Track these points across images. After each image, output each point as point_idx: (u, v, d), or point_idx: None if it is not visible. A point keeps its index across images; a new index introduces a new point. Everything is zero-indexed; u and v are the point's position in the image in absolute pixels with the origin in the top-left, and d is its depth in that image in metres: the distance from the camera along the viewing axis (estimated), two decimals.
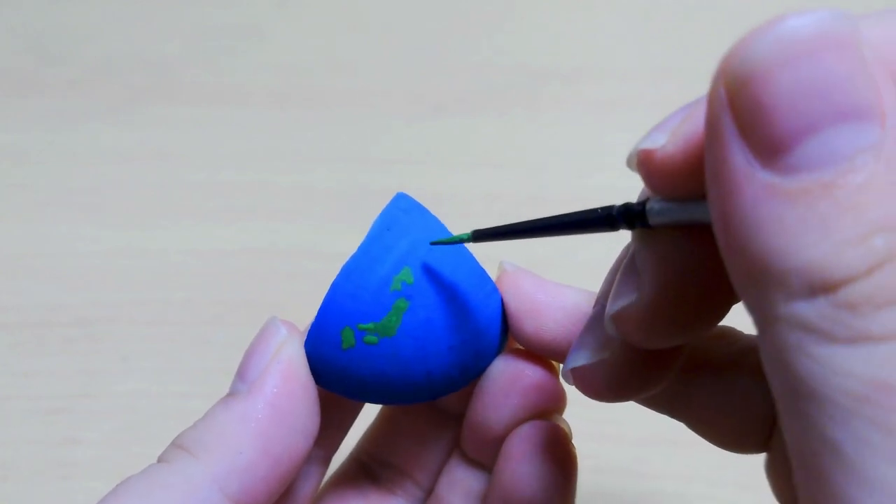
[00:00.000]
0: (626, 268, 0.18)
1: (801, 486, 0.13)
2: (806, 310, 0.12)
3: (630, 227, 0.17)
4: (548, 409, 0.23)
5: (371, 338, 0.21)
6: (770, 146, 0.13)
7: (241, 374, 0.21)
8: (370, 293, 0.20)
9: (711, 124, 0.13)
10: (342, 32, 0.56)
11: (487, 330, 0.22)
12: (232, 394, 0.21)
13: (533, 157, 0.47)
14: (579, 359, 0.19)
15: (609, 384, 0.19)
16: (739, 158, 0.13)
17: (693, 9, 0.56)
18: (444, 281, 0.21)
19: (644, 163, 0.16)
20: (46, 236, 0.44)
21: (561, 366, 0.21)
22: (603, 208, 0.17)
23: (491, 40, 0.55)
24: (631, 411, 0.35)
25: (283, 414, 0.20)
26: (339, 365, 0.21)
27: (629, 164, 0.16)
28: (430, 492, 0.25)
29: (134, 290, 0.42)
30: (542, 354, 0.22)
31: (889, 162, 0.12)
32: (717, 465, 0.34)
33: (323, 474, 0.25)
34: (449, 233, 0.22)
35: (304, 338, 0.21)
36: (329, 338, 0.21)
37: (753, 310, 0.13)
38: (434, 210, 0.46)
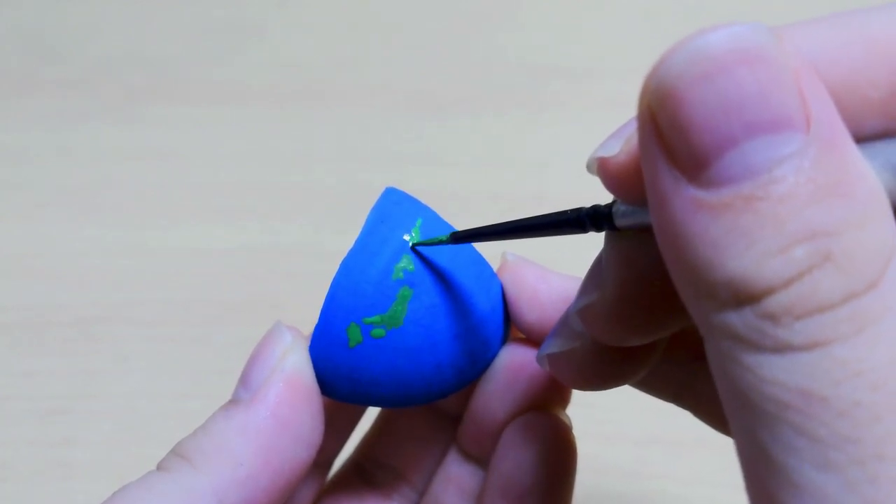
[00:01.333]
0: (594, 266, 0.18)
1: (747, 489, 0.14)
2: (734, 320, 0.13)
3: (598, 228, 0.17)
4: (552, 400, 0.22)
5: (378, 331, 0.20)
6: (692, 162, 0.13)
7: (243, 381, 0.20)
8: (373, 285, 0.20)
9: (641, 140, 0.14)
10: (343, 31, 0.56)
11: (491, 316, 0.22)
12: (234, 401, 0.20)
13: (535, 156, 0.47)
14: (552, 346, 0.20)
15: (581, 373, 0.19)
16: (666, 174, 0.13)
17: (695, 7, 0.56)
18: (444, 267, 0.21)
19: (601, 170, 0.16)
20: (46, 236, 0.44)
21: (539, 349, 0.21)
22: (573, 210, 0.18)
23: (493, 39, 0.54)
24: (632, 411, 0.35)
25: (285, 424, 0.20)
26: (348, 366, 0.21)
27: (589, 169, 0.17)
28: (424, 493, 0.25)
29: (133, 290, 0.42)
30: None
31: (816, 168, 0.12)
32: (719, 467, 0.33)
33: (322, 482, 0.24)
34: (443, 221, 0.22)
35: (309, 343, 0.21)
36: (334, 337, 0.20)
37: (694, 318, 0.14)
38: (435, 209, 0.46)
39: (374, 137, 0.49)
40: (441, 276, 0.21)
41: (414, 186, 0.45)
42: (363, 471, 0.25)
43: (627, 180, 0.15)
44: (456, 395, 0.23)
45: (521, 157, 0.47)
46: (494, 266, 0.23)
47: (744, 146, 0.12)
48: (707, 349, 0.14)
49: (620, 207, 0.17)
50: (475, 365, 0.22)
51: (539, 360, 0.20)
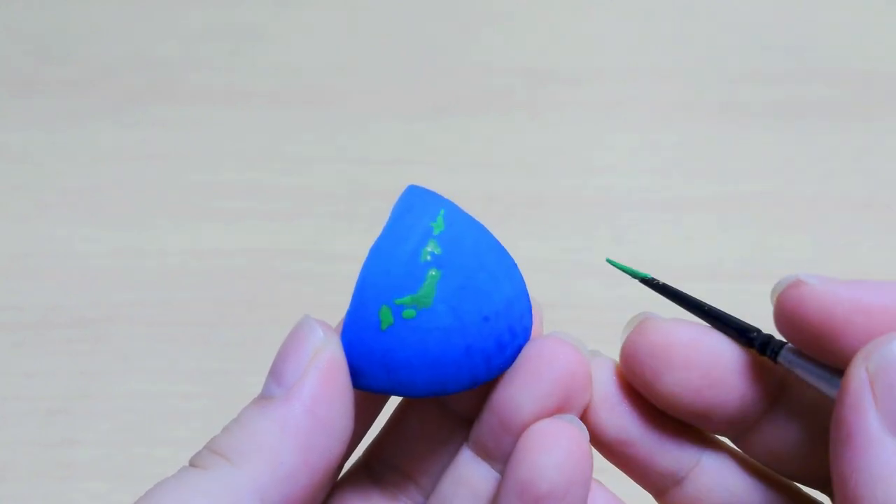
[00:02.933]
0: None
1: None
2: None
3: (762, 352, 0.20)
4: (578, 397, 0.22)
5: (409, 311, 0.21)
6: None
7: (276, 377, 0.20)
8: (403, 266, 0.21)
9: (851, 395, 0.17)
10: (342, 33, 0.56)
11: (517, 304, 0.22)
12: (267, 397, 0.20)
13: (532, 158, 0.47)
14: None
15: None
16: (874, 425, 0.16)
17: (691, 11, 0.56)
18: (470, 251, 0.22)
19: (790, 298, 0.19)
20: (46, 236, 0.44)
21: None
22: (751, 327, 0.21)
23: (491, 42, 0.55)
24: None
25: (322, 421, 0.19)
26: (381, 349, 0.21)
27: (772, 294, 0.19)
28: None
29: (133, 290, 0.42)
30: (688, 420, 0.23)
31: None
32: None
33: (335, 480, 0.25)
34: (465, 213, 0.22)
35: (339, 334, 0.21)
36: (367, 321, 0.21)
37: None
38: None
39: (372, 140, 0.49)
40: (468, 259, 0.22)
41: None
42: (370, 470, 0.25)
43: (815, 331, 0.18)
44: (470, 396, 0.23)
45: (519, 159, 0.47)
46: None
47: None
48: None
49: (787, 355, 0.20)
50: (503, 352, 0.22)
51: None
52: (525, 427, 0.22)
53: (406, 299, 0.21)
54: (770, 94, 0.51)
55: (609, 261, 0.23)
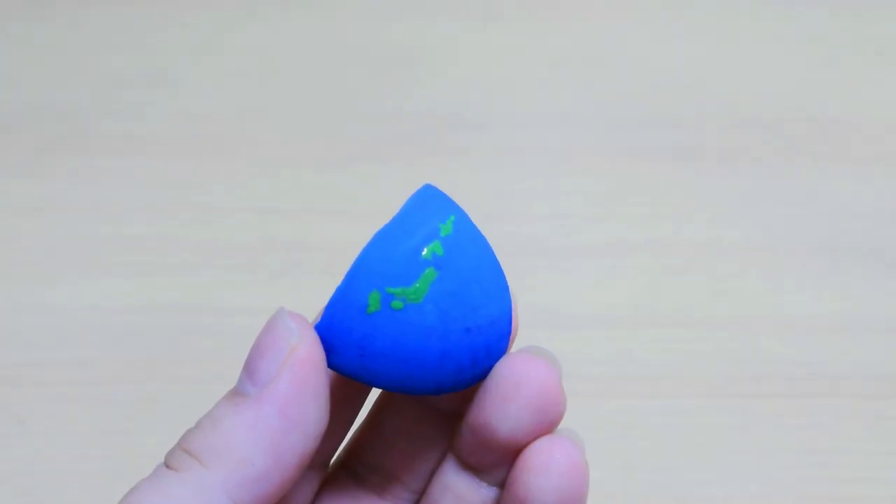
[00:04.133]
0: None
1: None
2: None
3: None
4: (551, 413, 0.22)
5: (398, 303, 0.21)
6: None
7: (249, 374, 0.20)
8: (403, 257, 0.21)
9: None
10: (255, 82, 0.56)
11: (499, 322, 0.23)
12: (241, 394, 0.20)
13: None
14: None
15: None
16: None
17: (598, 57, 0.58)
18: (470, 262, 0.22)
19: None
20: None
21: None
22: None
23: (400, 88, 0.55)
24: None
25: (294, 421, 0.19)
26: (361, 332, 0.21)
27: None
28: (421, 493, 0.24)
29: (32, 349, 0.41)
30: None
31: None
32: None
33: (322, 478, 0.24)
34: (472, 224, 0.23)
35: (317, 326, 0.21)
36: (355, 301, 0.21)
37: None
38: (341, 261, 0.46)
39: (283, 188, 0.49)
40: (466, 268, 0.22)
41: (318, 238, 0.46)
42: (352, 471, 0.25)
43: None
44: (450, 395, 0.23)
45: None
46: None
47: None
48: None
49: None
50: (474, 367, 0.22)
51: None
52: (503, 444, 0.22)
53: (398, 290, 0.21)
54: (670, 139, 0.52)
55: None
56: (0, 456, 0.38)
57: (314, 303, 0.43)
